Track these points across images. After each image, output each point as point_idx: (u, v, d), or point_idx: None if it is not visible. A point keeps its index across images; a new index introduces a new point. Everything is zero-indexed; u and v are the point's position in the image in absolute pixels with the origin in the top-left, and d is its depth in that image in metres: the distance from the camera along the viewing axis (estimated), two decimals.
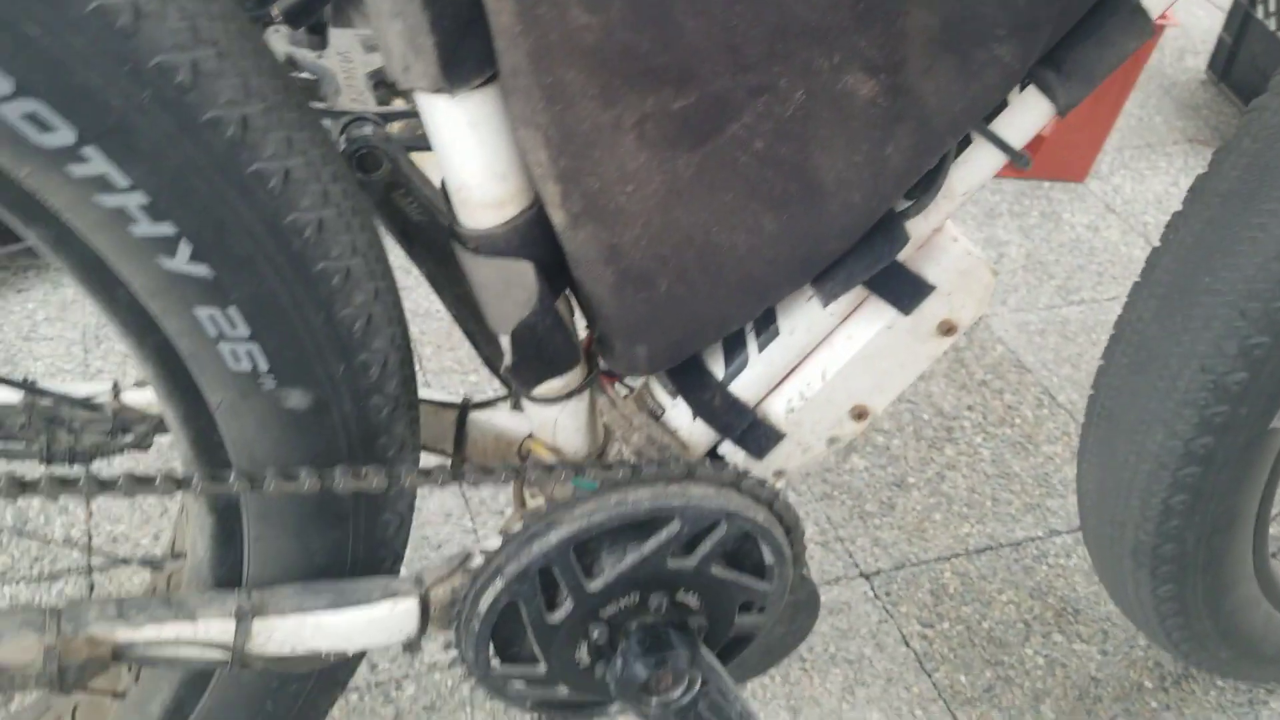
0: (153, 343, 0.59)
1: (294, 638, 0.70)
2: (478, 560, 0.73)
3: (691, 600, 0.77)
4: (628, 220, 0.63)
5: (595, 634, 0.75)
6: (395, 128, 0.79)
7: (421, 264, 0.78)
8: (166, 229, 0.54)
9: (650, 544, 0.73)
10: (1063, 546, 1.43)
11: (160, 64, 0.50)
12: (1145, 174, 2.25)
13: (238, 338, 0.59)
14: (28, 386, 0.76)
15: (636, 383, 0.82)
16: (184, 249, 0.55)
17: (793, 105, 0.61)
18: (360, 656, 0.81)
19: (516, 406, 0.87)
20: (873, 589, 1.35)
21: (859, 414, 0.80)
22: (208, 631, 0.67)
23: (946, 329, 0.77)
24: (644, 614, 0.76)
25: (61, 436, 0.77)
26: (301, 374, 0.61)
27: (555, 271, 0.68)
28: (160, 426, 0.80)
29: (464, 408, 0.86)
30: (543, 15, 0.55)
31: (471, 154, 0.61)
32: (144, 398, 0.80)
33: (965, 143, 0.70)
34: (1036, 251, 1.98)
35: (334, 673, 0.83)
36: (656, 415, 0.80)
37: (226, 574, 0.72)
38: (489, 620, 0.73)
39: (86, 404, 0.78)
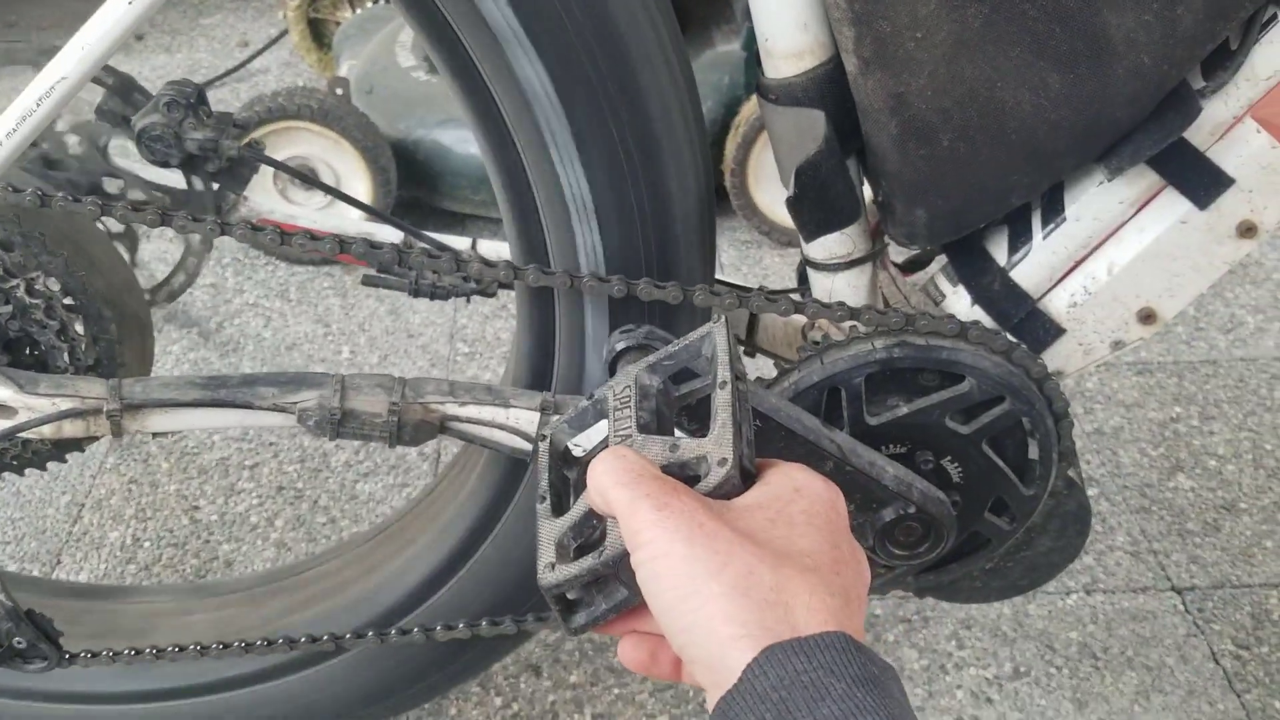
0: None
1: (586, 439, 0.79)
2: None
3: (952, 472, 0.80)
4: (915, 68, 0.69)
5: None
6: None
7: None
8: None
9: (937, 396, 0.77)
10: None
11: None
12: None
13: None
14: (408, 230, 0.93)
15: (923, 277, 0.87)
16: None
17: None
18: None
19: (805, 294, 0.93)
20: (1183, 603, 1.27)
21: (1146, 316, 0.80)
22: (517, 419, 0.79)
23: (1246, 229, 0.76)
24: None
25: (428, 275, 0.93)
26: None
27: (847, 132, 0.75)
28: (504, 280, 0.93)
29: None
30: None
31: (779, 1, 0.70)
32: (495, 251, 0.94)
33: (1274, 20, 0.70)
34: None
35: None
36: (936, 301, 0.83)
37: (540, 381, 0.83)
38: None
39: (450, 251, 0.94)
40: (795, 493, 0.50)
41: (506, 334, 1.72)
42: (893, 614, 1.25)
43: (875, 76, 0.70)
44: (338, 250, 0.79)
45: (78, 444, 0.82)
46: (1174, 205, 0.76)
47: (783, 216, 1.83)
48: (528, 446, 0.79)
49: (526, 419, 0.79)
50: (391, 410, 0.77)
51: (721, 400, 0.54)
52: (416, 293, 0.94)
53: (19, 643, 0.85)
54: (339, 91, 1.85)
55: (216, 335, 1.72)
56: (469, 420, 0.79)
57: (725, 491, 0.51)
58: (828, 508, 0.51)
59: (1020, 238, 0.79)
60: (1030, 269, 0.79)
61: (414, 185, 1.93)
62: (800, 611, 0.45)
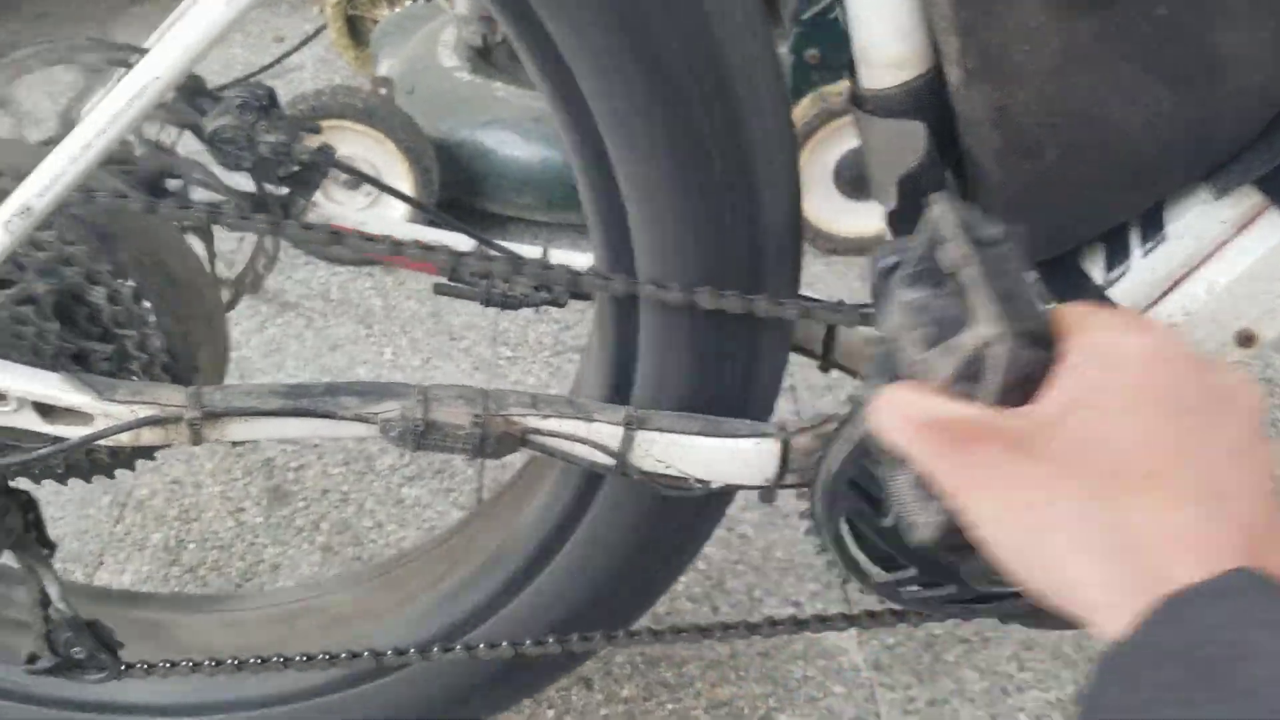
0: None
1: (668, 454, 0.78)
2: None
3: None
4: (1022, 81, 0.68)
5: None
6: None
7: None
8: None
9: None
10: None
11: None
12: None
13: None
14: (480, 238, 0.91)
15: None
16: None
17: None
18: (724, 503, 0.88)
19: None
20: None
21: (1245, 339, 0.78)
22: (600, 433, 0.77)
23: None
24: None
25: (499, 285, 0.91)
26: None
27: (946, 143, 0.73)
28: (581, 290, 0.91)
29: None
30: None
31: (880, 10, 0.68)
32: (568, 260, 0.93)
33: None
34: None
35: (704, 512, 0.89)
36: None
37: (618, 393, 0.81)
38: (840, 478, 0.77)
39: (522, 260, 0.92)
40: (1104, 372, 0.42)
41: (549, 339, 1.71)
42: (951, 634, 1.22)
43: (980, 88, 0.68)
44: (420, 258, 0.78)
45: (149, 451, 0.80)
46: (1277, 226, 0.74)
47: (828, 223, 1.82)
48: (608, 461, 0.77)
49: (609, 433, 0.77)
50: (475, 422, 0.75)
51: (968, 277, 0.50)
52: (488, 302, 0.92)
53: (78, 653, 0.84)
54: (383, 91, 1.84)
55: (259, 335, 1.71)
56: (551, 434, 0.77)
57: (1018, 375, 0.46)
58: (1156, 369, 0.41)
59: (1118, 256, 0.77)
60: (1128, 288, 0.77)
61: (456, 186, 1.91)
62: (1158, 549, 0.37)
